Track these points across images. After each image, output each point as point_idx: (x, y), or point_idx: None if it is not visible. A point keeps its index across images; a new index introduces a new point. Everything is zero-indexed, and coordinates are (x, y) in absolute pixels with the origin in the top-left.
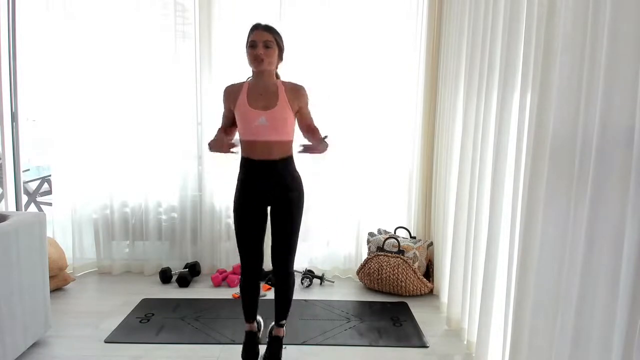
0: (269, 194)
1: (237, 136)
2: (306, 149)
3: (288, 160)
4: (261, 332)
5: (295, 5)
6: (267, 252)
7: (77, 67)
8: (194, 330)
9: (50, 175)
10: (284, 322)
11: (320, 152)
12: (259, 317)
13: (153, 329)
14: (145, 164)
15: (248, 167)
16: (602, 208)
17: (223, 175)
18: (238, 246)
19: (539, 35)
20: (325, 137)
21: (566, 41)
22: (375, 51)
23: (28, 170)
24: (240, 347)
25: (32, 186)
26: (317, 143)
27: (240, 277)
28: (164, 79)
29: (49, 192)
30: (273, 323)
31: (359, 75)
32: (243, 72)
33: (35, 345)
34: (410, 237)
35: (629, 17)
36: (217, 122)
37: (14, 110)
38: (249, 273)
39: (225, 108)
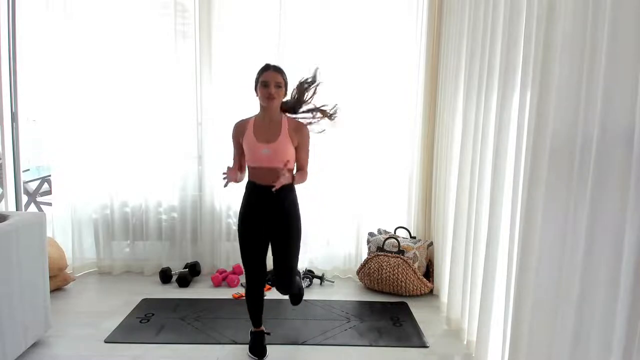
0: (270, 216)
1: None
2: (283, 173)
3: (288, 187)
4: (266, 330)
5: (295, 6)
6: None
7: (77, 67)
8: (194, 330)
9: (50, 175)
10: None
11: (293, 183)
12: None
13: (153, 329)
14: (146, 164)
15: (252, 190)
16: (602, 208)
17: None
18: (242, 258)
19: (539, 35)
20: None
21: (566, 41)
22: (375, 51)
23: (28, 170)
24: (241, 347)
25: (32, 186)
26: (299, 178)
27: (245, 284)
28: (164, 79)
29: (49, 192)
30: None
31: (358, 75)
32: (243, 72)
33: (35, 345)
34: (410, 237)
35: (629, 17)
36: (217, 122)
37: (14, 110)
38: (253, 282)
39: (234, 142)
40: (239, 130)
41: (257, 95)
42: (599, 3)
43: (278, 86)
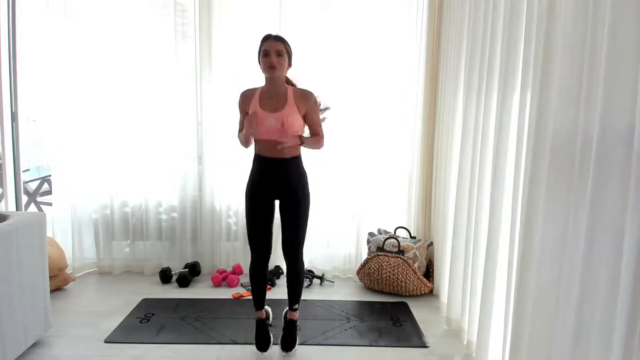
0: (277, 189)
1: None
2: (301, 142)
3: (295, 159)
4: (270, 320)
5: (295, 6)
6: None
7: (77, 67)
8: (194, 330)
9: (50, 175)
10: (296, 306)
11: (310, 147)
12: (267, 307)
13: (153, 329)
14: (146, 164)
15: (259, 163)
16: (602, 208)
17: (223, 175)
18: (248, 235)
19: (539, 35)
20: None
21: (566, 41)
22: (375, 51)
23: (28, 170)
24: (241, 347)
25: (32, 186)
26: (312, 143)
27: (250, 265)
28: (164, 79)
29: (49, 192)
30: (287, 308)
31: (359, 75)
32: (243, 72)
33: (35, 345)
34: (410, 237)
35: (629, 17)
36: (216, 122)
37: (14, 110)
38: (258, 261)
39: (240, 111)
40: (246, 98)
41: (260, 67)
42: (599, 3)
43: (279, 54)
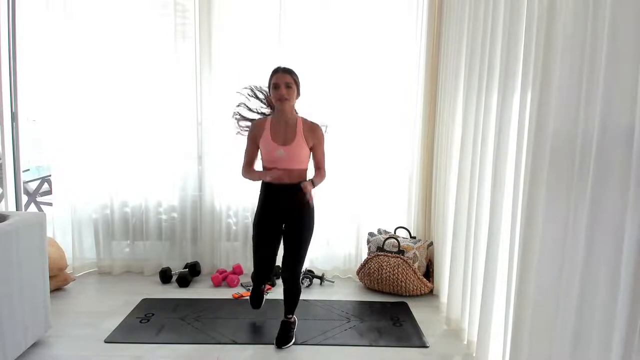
0: (284, 214)
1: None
2: (304, 186)
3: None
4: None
5: (295, 6)
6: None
7: (77, 67)
8: (194, 330)
9: (50, 175)
10: (291, 315)
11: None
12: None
13: (153, 329)
14: (146, 164)
15: (268, 190)
16: (602, 208)
17: (223, 175)
18: (253, 254)
19: (539, 35)
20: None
21: (566, 41)
22: (375, 51)
23: (28, 170)
24: (241, 347)
25: (32, 186)
26: (319, 181)
27: (252, 271)
28: (164, 79)
29: (49, 192)
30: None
31: (359, 75)
32: (243, 72)
33: (35, 345)
34: (410, 237)
35: (629, 17)
36: (216, 122)
37: (14, 110)
38: (260, 273)
39: (249, 141)
40: (257, 130)
41: (271, 98)
42: (599, 3)
43: (288, 86)
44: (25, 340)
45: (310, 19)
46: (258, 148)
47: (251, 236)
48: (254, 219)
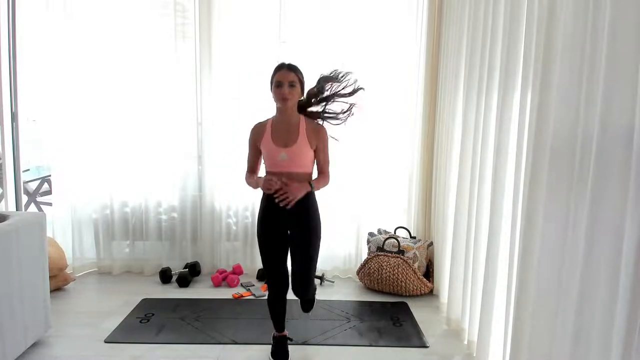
0: (289, 221)
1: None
2: (312, 188)
3: (307, 193)
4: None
5: (295, 6)
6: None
7: (77, 67)
8: (194, 330)
9: (50, 175)
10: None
11: (314, 190)
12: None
13: (153, 329)
14: (146, 164)
15: (271, 196)
16: (602, 208)
17: (223, 175)
18: (264, 266)
19: (539, 36)
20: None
21: (566, 41)
22: (375, 51)
23: (28, 170)
24: (241, 347)
25: (32, 186)
26: (321, 185)
27: (267, 290)
28: (164, 79)
29: (49, 192)
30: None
31: (359, 75)
32: (243, 72)
33: (35, 345)
34: (410, 237)
35: (629, 17)
36: (216, 122)
37: (14, 110)
38: (276, 289)
39: (251, 146)
40: (257, 133)
41: (272, 97)
42: (599, 3)
43: (292, 85)
44: (25, 340)
45: (311, 19)
46: (260, 152)
47: (251, 236)
48: (258, 228)
